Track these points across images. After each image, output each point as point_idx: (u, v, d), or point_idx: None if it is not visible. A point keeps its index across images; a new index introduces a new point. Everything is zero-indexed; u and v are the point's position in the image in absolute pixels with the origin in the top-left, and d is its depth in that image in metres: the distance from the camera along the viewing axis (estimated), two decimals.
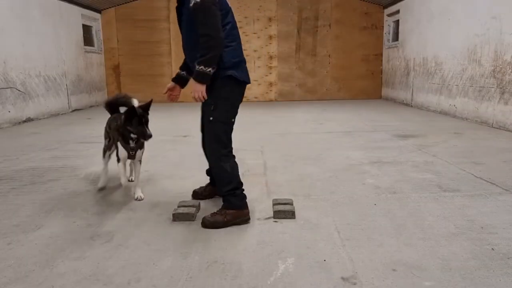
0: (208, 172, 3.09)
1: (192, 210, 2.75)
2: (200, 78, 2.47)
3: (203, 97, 2.53)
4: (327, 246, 2.30)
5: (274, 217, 2.72)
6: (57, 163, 4.42)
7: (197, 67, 2.46)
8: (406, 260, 2.12)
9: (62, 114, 9.15)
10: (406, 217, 2.72)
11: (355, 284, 1.90)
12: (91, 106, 10.66)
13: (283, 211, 2.72)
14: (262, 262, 2.12)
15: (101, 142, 3.45)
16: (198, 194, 3.12)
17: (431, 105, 8.74)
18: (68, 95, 9.52)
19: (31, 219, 2.78)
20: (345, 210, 2.88)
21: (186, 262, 2.13)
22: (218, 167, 2.65)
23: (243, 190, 2.71)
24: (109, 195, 3.30)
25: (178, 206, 2.83)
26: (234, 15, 2.68)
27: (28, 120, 7.91)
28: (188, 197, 3.13)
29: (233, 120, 2.68)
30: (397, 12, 10.71)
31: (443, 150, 4.76)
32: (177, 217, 2.70)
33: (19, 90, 7.65)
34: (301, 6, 11.65)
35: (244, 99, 2.79)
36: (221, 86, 2.57)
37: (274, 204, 2.85)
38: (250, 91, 11.78)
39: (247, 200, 2.71)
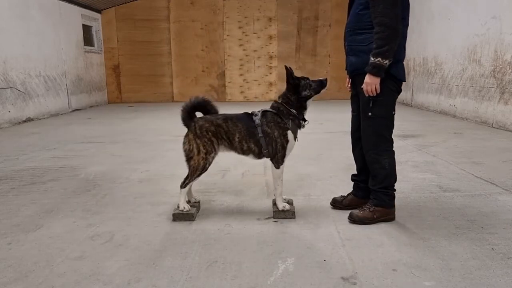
0: (354, 179, 2.92)
1: (192, 210, 2.75)
2: (376, 71, 2.38)
3: (376, 90, 2.43)
4: (327, 246, 2.30)
5: (274, 217, 2.73)
6: (57, 163, 4.42)
7: (372, 59, 2.37)
8: (406, 260, 2.12)
9: (62, 114, 9.15)
10: (406, 217, 2.72)
11: (355, 284, 1.90)
12: (91, 106, 10.67)
13: (283, 211, 2.72)
14: (262, 262, 2.12)
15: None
16: (337, 202, 2.93)
17: (431, 105, 8.74)
18: (68, 95, 9.52)
19: (31, 219, 2.78)
20: (345, 210, 2.87)
21: (186, 262, 2.13)
22: (376, 162, 2.62)
23: (395, 189, 2.69)
24: (110, 195, 3.30)
25: (178, 206, 2.83)
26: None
27: (28, 120, 7.91)
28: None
29: (393, 113, 2.63)
30: None
31: (443, 150, 4.75)
32: (177, 217, 2.70)
33: (19, 90, 7.65)
34: (301, 6, 11.65)
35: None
36: (381, 82, 2.44)
37: (274, 204, 2.85)
38: (250, 91, 11.77)
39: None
